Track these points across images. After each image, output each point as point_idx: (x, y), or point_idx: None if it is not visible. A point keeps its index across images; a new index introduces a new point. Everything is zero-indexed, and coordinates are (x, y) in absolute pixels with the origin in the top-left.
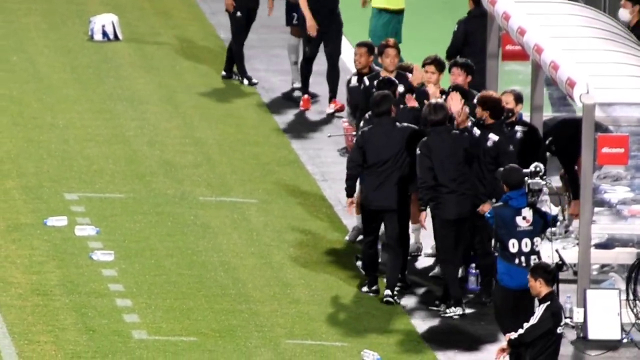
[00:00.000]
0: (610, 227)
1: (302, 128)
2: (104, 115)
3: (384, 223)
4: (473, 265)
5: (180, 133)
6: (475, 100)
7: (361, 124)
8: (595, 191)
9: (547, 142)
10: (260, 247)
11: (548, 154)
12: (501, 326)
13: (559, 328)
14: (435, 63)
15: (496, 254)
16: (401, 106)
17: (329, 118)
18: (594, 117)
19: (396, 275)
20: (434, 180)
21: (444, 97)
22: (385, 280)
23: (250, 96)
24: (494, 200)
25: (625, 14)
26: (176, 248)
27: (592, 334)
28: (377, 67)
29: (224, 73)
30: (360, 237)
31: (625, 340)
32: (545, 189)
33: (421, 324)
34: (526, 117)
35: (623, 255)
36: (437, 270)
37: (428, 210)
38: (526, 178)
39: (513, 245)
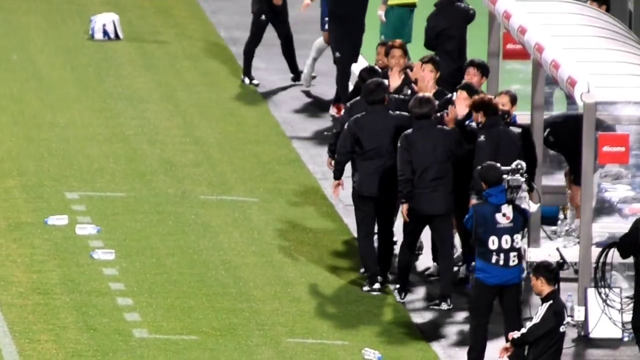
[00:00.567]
0: (611, 226)
1: (302, 127)
2: (105, 114)
3: (376, 212)
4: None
5: (180, 132)
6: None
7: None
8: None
9: (545, 132)
10: (261, 245)
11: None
12: (474, 320)
13: (562, 327)
14: (433, 62)
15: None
16: (391, 96)
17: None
18: (595, 116)
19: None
20: (412, 173)
21: (453, 95)
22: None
23: (250, 95)
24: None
25: None
26: (177, 247)
27: (593, 333)
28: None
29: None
30: None
31: (626, 339)
32: (524, 186)
33: (422, 322)
34: (527, 116)
35: None
36: (432, 269)
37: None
38: (505, 175)
39: (493, 242)
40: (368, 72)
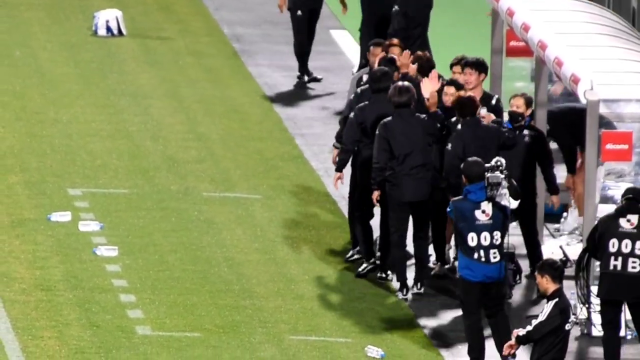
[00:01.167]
0: None
1: (306, 123)
2: (108, 110)
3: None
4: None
5: (183, 128)
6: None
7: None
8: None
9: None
10: (264, 242)
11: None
12: (466, 319)
13: (567, 325)
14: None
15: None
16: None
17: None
18: (598, 113)
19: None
20: (388, 161)
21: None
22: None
23: (254, 91)
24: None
25: None
26: (180, 243)
27: (596, 331)
28: None
29: (299, 74)
30: None
31: (629, 337)
32: (504, 183)
33: (425, 319)
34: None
35: None
36: (437, 268)
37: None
38: (486, 172)
39: (472, 239)
40: (387, 61)
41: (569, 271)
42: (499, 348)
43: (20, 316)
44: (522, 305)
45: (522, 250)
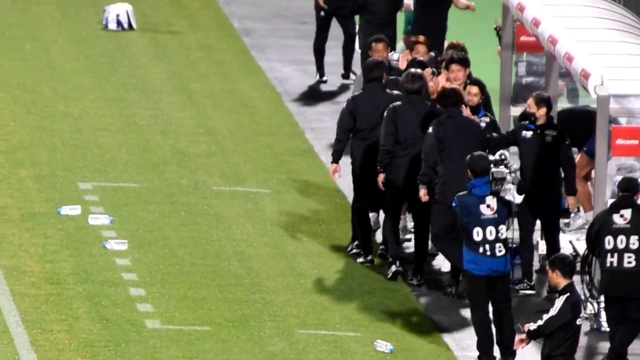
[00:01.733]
0: None
1: (316, 118)
2: (118, 105)
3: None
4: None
5: (193, 122)
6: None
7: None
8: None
9: None
10: (273, 237)
11: None
12: (474, 313)
13: (578, 320)
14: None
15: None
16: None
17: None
18: (609, 108)
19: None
20: (393, 145)
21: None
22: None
23: (264, 86)
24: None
25: None
26: (190, 238)
27: (606, 326)
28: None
29: (343, 72)
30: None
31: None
32: (508, 178)
33: (434, 314)
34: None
35: None
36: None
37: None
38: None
39: (477, 234)
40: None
41: (579, 266)
42: (500, 344)
43: (30, 309)
44: (532, 300)
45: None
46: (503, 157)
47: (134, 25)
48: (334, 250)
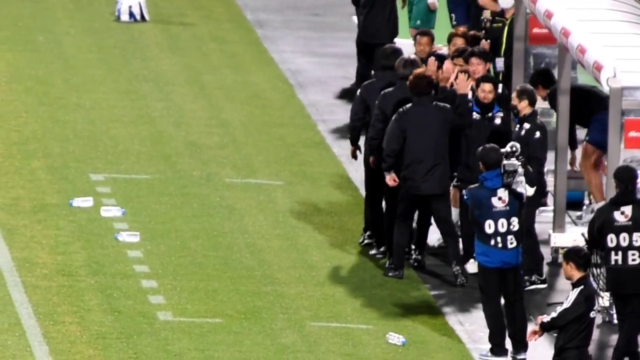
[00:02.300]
0: None
1: (328, 110)
2: (130, 96)
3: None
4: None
5: (205, 114)
6: None
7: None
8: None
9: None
10: (285, 229)
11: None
12: (486, 305)
13: (592, 312)
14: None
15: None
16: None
17: None
18: (621, 100)
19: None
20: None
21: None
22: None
23: (276, 77)
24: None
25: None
26: (202, 229)
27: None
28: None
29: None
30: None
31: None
32: (520, 170)
33: (447, 306)
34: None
35: None
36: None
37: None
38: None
39: (489, 226)
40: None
41: None
42: (513, 337)
43: (42, 301)
44: (544, 292)
45: (544, 237)
46: (514, 149)
47: (146, 16)
48: (346, 242)
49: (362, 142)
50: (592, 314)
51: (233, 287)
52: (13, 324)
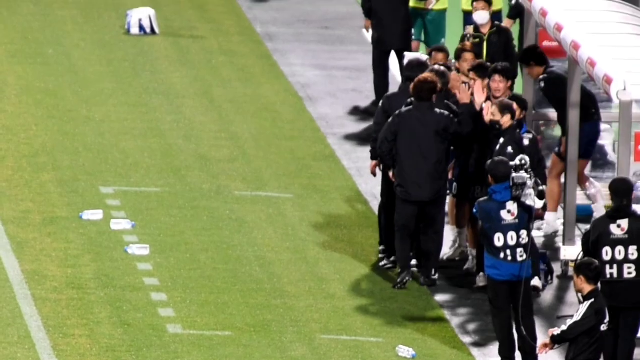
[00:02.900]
0: None
1: (338, 123)
2: (140, 109)
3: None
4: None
5: (215, 127)
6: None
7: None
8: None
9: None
10: (295, 242)
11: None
12: (495, 318)
13: (603, 325)
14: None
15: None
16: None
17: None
18: (631, 113)
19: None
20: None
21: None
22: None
23: (286, 90)
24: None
25: (484, 15)
26: (211, 242)
27: None
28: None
29: None
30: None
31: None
32: (529, 183)
33: (456, 319)
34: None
35: None
36: (468, 264)
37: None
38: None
39: (499, 239)
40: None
41: None
42: (523, 350)
43: (52, 314)
44: (554, 305)
45: (554, 251)
46: (524, 162)
47: (156, 29)
48: (356, 255)
49: None
50: (602, 327)
51: (243, 300)
52: (23, 337)
